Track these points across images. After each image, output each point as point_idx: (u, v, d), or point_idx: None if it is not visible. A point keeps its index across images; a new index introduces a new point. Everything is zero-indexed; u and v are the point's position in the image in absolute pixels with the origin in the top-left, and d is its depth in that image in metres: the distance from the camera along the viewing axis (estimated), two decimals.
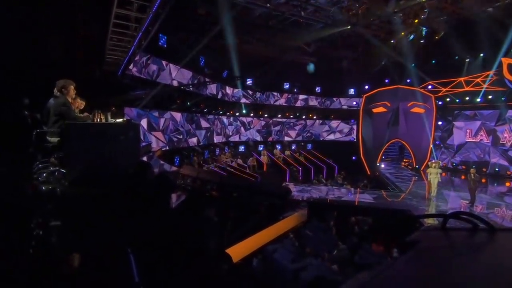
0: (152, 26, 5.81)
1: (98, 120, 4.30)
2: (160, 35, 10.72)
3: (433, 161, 13.45)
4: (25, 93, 7.18)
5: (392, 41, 14.82)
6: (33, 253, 2.92)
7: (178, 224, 2.26)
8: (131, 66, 9.46)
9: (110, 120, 4.64)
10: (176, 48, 11.87)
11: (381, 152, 18.50)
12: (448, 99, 17.69)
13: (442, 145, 18.29)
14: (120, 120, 4.39)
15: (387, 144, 18.49)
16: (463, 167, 17.08)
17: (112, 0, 4.87)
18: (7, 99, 7.31)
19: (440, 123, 18.08)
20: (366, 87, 19.10)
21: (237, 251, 3.30)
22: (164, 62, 11.64)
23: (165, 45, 11.23)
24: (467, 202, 10.68)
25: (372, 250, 6.89)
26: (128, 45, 7.02)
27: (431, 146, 17.72)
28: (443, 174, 11.93)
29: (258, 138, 18.91)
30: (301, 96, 19.84)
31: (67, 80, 4.14)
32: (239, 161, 16.81)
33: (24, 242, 3.02)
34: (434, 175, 11.51)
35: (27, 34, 6.72)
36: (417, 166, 17.73)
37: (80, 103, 4.77)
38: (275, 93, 18.96)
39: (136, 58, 9.03)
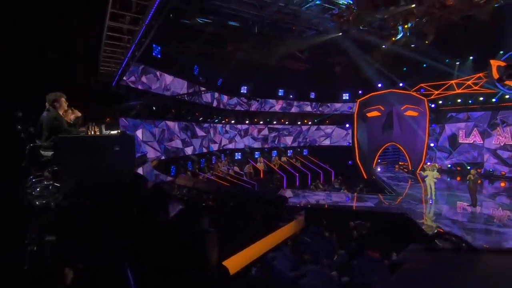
0: (145, 38, 5.84)
1: (92, 132, 4.29)
2: (153, 45, 10.76)
3: (429, 164, 13.56)
4: (18, 105, 7.15)
5: (384, 46, 15.05)
6: (29, 267, 2.87)
7: (174, 235, 2.25)
8: (125, 77, 9.46)
9: (105, 132, 4.63)
10: (170, 57, 11.93)
11: (377, 156, 18.61)
12: (440, 102, 17.94)
13: (436, 147, 18.47)
14: (115, 132, 4.37)
15: (382, 148, 18.62)
16: (458, 168, 17.24)
17: (104, 13, 4.91)
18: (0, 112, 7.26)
19: (433, 125, 18.29)
20: (360, 92, 19.31)
21: (235, 261, 3.28)
22: (158, 72, 11.67)
23: (159, 56, 11.27)
24: (468, 204, 10.71)
25: (371, 255, 6.88)
26: (122, 57, 7.05)
27: (426, 148, 17.89)
28: (439, 176, 12.02)
29: (254, 145, 18.92)
30: (296, 102, 19.96)
31: (57, 93, 4.12)
32: (236, 168, 16.79)
33: (19, 256, 2.97)
34: (430, 178, 11.59)
35: (20, 45, 6.71)
36: (412, 169, 17.85)
37: (76, 114, 4.73)
38: (270, 100, 19.06)
39: (131, 68, 9.05)
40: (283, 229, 2.69)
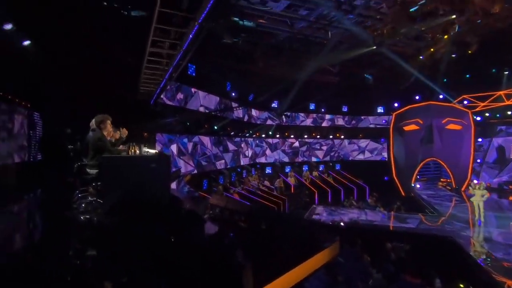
0: (183, 60, 6.18)
1: (132, 151, 4.55)
2: (189, 64, 11.31)
3: (476, 181, 12.48)
4: (67, 122, 7.84)
5: (421, 57, 14.41)
6: (71, 280, 3.06)
7: (209, 265, 2.28)
8: (162, 95, 10.02)
9: (144, 150, 4.89)
10: (203, 75, 12.44)
11: (416, 172, 17.53)
12: (487, 114, 16.60)
13: (483, 163, 17.01)
14: (153, 151, 4.60)
15: (421, 163, 17.52)
16: (511, 187, 15.66)
17: (146, 40, 5.30)
18: (54, 130, 8.00)
19: (480, 140, 16.92)
20: (396, 104, 18.54)
21: None
22: (193, 89, 12.20)
23: (193, 74, 11.81)
24: None
25: (410, 281, 6.42)
26: (160, 78, 7.50)
27: (471, 164, 16.54)
28: (488, 195, 10.98)
29: (285, 159, 18.80)
30: (328, 116, 19.65)
31: (104, 115, 4.45)
32: (266, 183, 16.74)
33: (63, 267, 3.19)
34: (478, 197, 10.64)
35: (72, 70, 7.42)
36: (457, 187, 16.54)
37: (124, 133, 4.97)
38: (301, 114, 18.96)
39: (167, 87, 9.56)
40: (317, 256, 2.61)
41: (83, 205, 4.48)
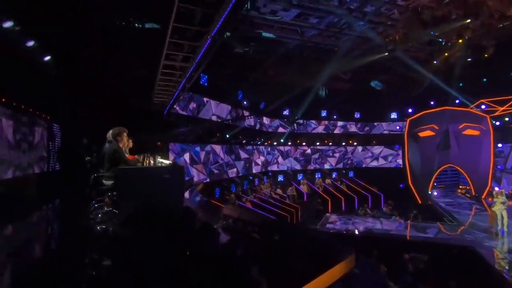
0: (195, 72, 6.30)
1: (147, 162, 4.63)
2: (201, 74, 11.50)
3: (498, 189, 11.99)
4: (84, 133, 8.08)
5: (435, 62, 14.14)
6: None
7: (223, 281, 2.27)
8: (175, 105, 10.20)
9: (158, 161, 4.97)
10: (215, 84, 12.62)
11: (433, 179, 17.04)
12: (507, 119, 16.05)
13: (503, 169, 16.37)
14: (167, 162, 4.67)
15: (438, 170, 17.03)
16: None
17: (160, 53, 5.45)
18: (72, 141, 8.25)
19: (500, 145, 16.34)
20: (410, 110, 18.21)
21: None
22: (205, 99, 12.37)
23: (206, 84, 11.99)
24: None
25: None
26: (174, 89, 7.66)
27: (491, 170, 15.95)
28: (510, 203, 10.52)
29: (297, 167, 18.68)
30: (340, 123, 19.47)
31: (121, 128, 4.56)
32: (279, 191, 16.64)
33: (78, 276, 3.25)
34: (500, 205, 10.22)
35: (88, 78, 7.69)
36: (476, 194, 15.95)
37: (130, 142, 5.11)
38: (313, 121, 18.87)
39: (180, 98, 9.74)
40: (333, 269, 2.56)
41: (99, 215, 4.57)
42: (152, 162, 4.60)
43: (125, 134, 4.53)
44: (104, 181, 4.41)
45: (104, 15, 7.12)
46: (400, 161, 18.68)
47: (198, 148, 12.41)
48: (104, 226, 4.49)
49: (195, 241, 2.90)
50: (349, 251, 3.19)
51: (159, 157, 5.26)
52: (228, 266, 2.59)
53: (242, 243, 3.69)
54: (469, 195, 16.33)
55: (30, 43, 6.09)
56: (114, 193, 4.36)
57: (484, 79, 15.54)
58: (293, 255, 2.97)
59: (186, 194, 10.27)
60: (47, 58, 6.70)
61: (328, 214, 13.76)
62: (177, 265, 2.94)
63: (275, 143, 17.95)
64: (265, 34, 11.12)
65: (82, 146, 7.85)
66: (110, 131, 4.59)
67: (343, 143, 19.62)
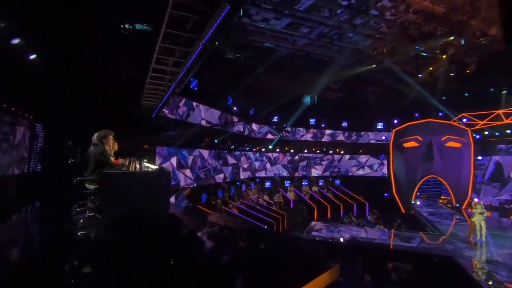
0: (186, 77, 6.27)
1: (133, 167, 4.55)
2: (191, 79, 11.44)
3: (477, 200, 12.40)
4: (68, 135, 7.87)
5: (420, 75, 14.61)
6: None
7: (206, 279, 2.24)
8: (164, 109, 10.08)
9: (144, 165, 4.89)
10: (205, 89, 12.56)
11: (416, 189, 17.47)
12: (486, 133, 16.71)
13: (482, 181, 16.96)
14: (153, 167, 4.60)
15: (421, 180, 17.48)
16: (511, 205, 15.57)
17: (151, 57, 5.40)
18: (55, 142, 8.02)
19: (480, 158, 16.95)
20: (395, 121, 18.66)
21: None
22: (194, 103, 12.29)
23: (195, 88, 11.93)
24: None
25: None
26: (163, 93, 7.59)
27: (472, 182, 16.49)
28: (489, 214, 10.88)
29: (285, 173, 18.75)
30: (328, 131, 19.73)
31: (107, 131, 4.47)
32: (266, 197, 16.62)
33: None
34: (478, 216, 10.55)
35: (74, 78, 7.51)
36: (457, 205, 16.44)
37: (115, 145, 5.02)
38: (300, 129, 19.04)
39: (169, 101, 9.63)
40: (318, 279, 2.56)
41: (81, 220, 4.43)
42: (138, 166, 4.52)
43: (111, 137, 4.45)
44: (87, 185, 4.30)
45: (95, 15, 7.02)
46: (385, 170, 19.05)
47: (185, 152, 12.28)
48: (85, 232, 4.36)
49: (180, 248, 2.86)
50: (334, 260, 3.21)
51: (146, 161, 5.17)
52: (213, 274, 2.56)
53: (228, 251, 3.66)
54: (450, 206, 16.81)
55: (16, 41, 5.92)
56: (97, 197, 4.25)
57: (466, 94, 16.15)
58: (279, 264, 2.97)
59: (172, 199, 10.12)
60: (33, 56, 6.52)
61: (314, 222, 13.84)
62: (161, 271, 2.89)
63: (263, 149, 17.98)
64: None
65: (66, 148, 7.63)
66: (96, 134, 4.49)
67: (330, 151, 19.87)
